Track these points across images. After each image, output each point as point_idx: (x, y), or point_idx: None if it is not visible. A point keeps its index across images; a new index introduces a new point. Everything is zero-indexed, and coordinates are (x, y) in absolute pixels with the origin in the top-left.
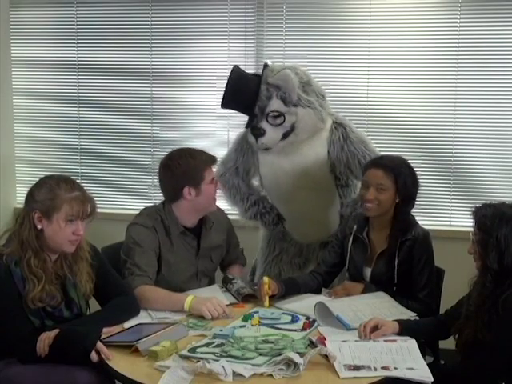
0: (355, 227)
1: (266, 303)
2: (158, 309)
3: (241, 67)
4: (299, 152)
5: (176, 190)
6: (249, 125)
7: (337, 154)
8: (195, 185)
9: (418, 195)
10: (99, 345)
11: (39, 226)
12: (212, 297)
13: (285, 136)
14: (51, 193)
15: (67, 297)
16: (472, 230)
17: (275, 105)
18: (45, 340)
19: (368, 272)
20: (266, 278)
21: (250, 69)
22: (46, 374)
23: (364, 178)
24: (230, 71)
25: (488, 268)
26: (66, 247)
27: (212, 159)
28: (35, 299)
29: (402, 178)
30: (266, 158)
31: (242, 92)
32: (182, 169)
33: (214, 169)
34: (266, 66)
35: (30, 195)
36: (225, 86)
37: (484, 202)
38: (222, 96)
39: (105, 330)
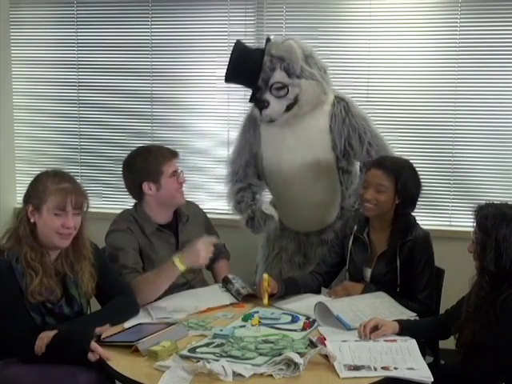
0: (356, 227)
1: (265, 300)
2: (156, 291)
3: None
4: (302, 124)
5: (136, 187)
6: (252, 99)
7: (338, 127)
8: (154, 180)
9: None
10: (93, 344)
11: (32, 220)
12: (196, 242)
13: (288, 108)
14: (41, 185)
15: (68, 293)
16: (473, 228)
17: (278, 76)
18: (44, 339)
19: (368, 273)
20: (265, 275)
21: None
22: (46, 373)
23: (365, 177)
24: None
25: (485, 269)
26: (56, 240)
27: (171, 153)
28: (34, 292)
29: (402, 180)
30: (269, 131)
31: (246, 65)
32: (139, 165)
33: (176, 162)
34: (268, 40)
35: (26, 190)
36: (228, 59)
37: (486, 201)
38: (225, 70)
39: (97, 329)
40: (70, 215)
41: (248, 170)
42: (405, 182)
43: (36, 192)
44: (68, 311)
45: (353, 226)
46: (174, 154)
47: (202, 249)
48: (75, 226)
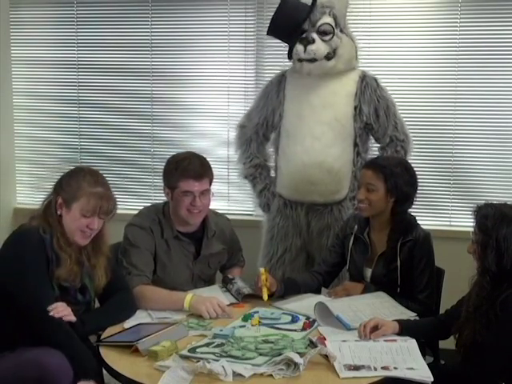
0: (356, 227)
1: (265, 296)
2: (157, 308)
3: (241, 67)
4: (329, 87)
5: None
6: (290, 54)
7: (369, 94)
8: (170, 189)
9: (417, 195)
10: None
11: (59, 212)
12: (212, 296)
13: (327, 57)
14: (76, 183)
15: (82, 283)
16: (472, 229)
17: (327, 19)
18: (60, 307)
19: (368, 273)
20: (262, 269)
21: (250, 69)
22: (22, 356)
23: (358, 178)
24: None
25: (486, 269)
26: (77, 237)
27: (195, 174)
28: (61, 278)
29: (393, 179)
30: (294, 91)
31: (292, 17)
32: (166, 169)
33: (195, 183)
34: None
35: (59, 181)
36: (275, 12)
37: (486, 201)
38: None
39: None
40: (96, 218)
41: (263, 131)
42: (395, 180)
43: (70, 188)
44: (81, 298)
45: (353, 226)
46: (197, 176)
47: (210, 307)
48: (98, 227)
